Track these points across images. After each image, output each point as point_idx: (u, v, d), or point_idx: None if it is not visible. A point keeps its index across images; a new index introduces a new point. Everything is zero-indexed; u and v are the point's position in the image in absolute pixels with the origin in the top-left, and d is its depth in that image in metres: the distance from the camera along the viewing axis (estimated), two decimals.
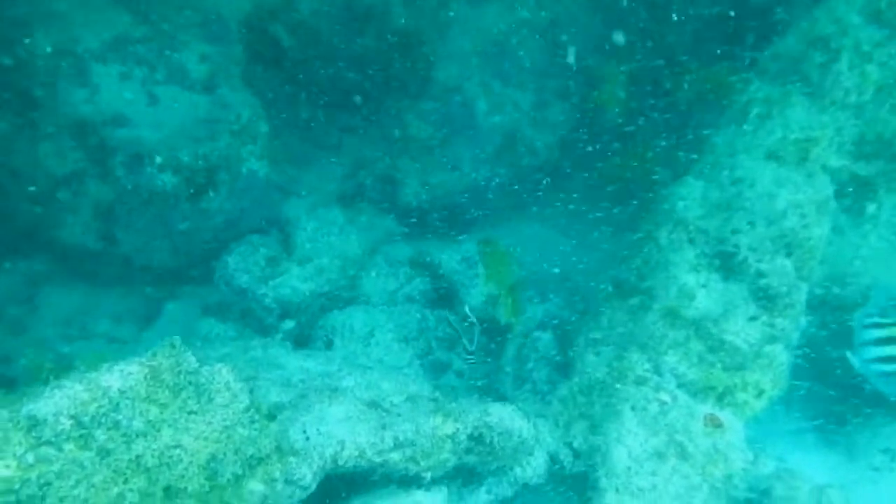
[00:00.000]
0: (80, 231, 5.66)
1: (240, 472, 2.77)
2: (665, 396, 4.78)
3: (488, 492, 4.60)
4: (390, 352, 5.69)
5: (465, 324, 5.71)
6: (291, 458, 3.31)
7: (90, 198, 5.49)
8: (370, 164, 6.96)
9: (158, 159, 5.10)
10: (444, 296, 6.31)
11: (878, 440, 6.15)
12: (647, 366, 4.91)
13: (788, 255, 4.92)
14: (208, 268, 6.07)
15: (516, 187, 6.76)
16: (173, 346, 2.66)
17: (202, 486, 2.65)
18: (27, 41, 5.15)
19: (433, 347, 6.00)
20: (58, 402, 2.34)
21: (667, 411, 4.73)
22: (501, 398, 5.87)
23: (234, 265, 5.62)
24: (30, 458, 2.25)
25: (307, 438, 3.62)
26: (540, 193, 6.98)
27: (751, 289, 4.93)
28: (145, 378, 2.53)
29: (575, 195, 6.84)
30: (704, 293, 4.89)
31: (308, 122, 6.93)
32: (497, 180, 6.67)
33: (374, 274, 6.17)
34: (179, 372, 2.62)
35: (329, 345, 5.61)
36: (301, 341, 5.78)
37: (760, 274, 4.88)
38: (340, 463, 3.69)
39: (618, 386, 4.86)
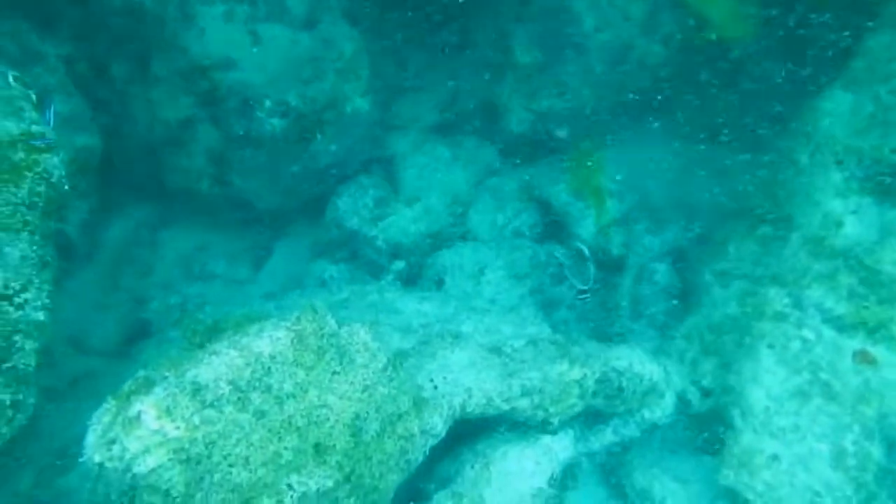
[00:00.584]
0: (195, 176, 5.72)
1: (381, 428, 2.76)
2: (808, 333, 4.45)
3: (614, 432, 4.50)
4: (501, 289, 5.56)
5: (577, 259, 5.51)
6: (424, 410, 3.28)
7: (202, 143, 5.52)
8: (470, 92, 6.67)
9: (267, 104, 5.02)
10: (554, 228, 6.08)
11: None
12: (786, 300, 4.57)
13: None
14: (316, 207, 6.07)
15: (626, 108, 6.31)
16: (315, 311, 2.62)
17: (348, 443, 2.65)
18: None
19: (545, 283, 5.83)
20: (217, 368, 2.37)
21: (810, 348, 4.42)
22: (618, 334, 5.70)
23: (345, 207, 5.58)
24: (196, 419, 2.30)
25: (435, 387, 3.58)
26: (653, 111, 6.50)
27: None
28: (292, 342, 2.52)
29: (692, 111, 6.32)
30: (854, 220, 4.44)
31: (404, 49, 6.68)
32: (606, 102, 6.24)
33: (481, 209, 5.99)
34: (322, 335, 2.59)
35: (440, 284, 5.54)
36: (411, 280, 5.74)
37: None
38: (469, 410, 3.66)
39: (753, 322, 4.55)
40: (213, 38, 5.12)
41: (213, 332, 2.62)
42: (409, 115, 6.62)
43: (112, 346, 5.35)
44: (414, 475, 3.57)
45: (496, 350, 4.06)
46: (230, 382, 2.36)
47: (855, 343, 4.36)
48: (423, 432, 3.27)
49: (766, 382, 4.39)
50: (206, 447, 2.31)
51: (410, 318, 4.51)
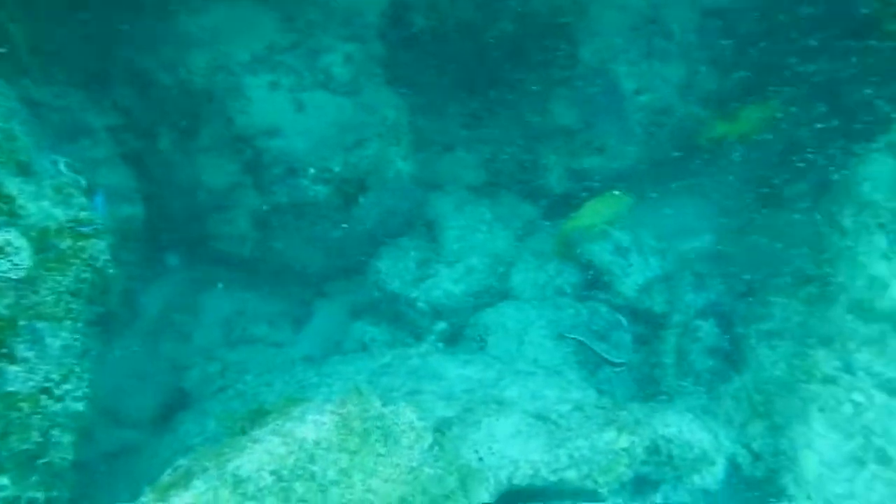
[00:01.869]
0: (238, 241, 5.86)
1: None
2: (859, 396, 4.32)
3: (665, 499, 4.38)
4: (544, 349, 5.52)
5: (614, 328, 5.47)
6: (470, 484, 3.25)
7: (246, 209, 5.66)
8: (510, 151, 6.75)
9: (311, 171, 5.16)
10: (596, 285, 6.05)
11: None
12: (835, 363, 4.45)
13: None
14: (357, 267, 6.15)
15: (667, 166, 6.31)
16: (360, 392, 2.63)
17: None
18: (184, 60, 5.33)
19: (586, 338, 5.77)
20: (259, 457, 2.37)
21: (862, 412, 4.28)
22: (662, 392, 5.59)
23: (386, 270, 5.65)
24: None
25: (480, 459, 3.55)
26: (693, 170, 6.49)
27: None
28: (336, 427, 2.52)
29: (734, 168, 6.29)
30: None
31: (443, 109, 6.81)
32: (645, 164, 6.26)
33: (522, 268, 6.00)
34: (367, 418, 2.60)
35: (483, 345, 5.53)
36: (453, 341, 5.74)
37: None
38: (515, 482, 3.61)
39: (802, 385, 4.44)
40: (259, 107, 5.30)
41: (257, 416, 2.65)
42: (449, 176, 6.71)
43: (149, 417, 5.40)
44: None
45: (542, 417, 4.01)
46: (273, 473, 2.36)
47: None
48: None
49: (818, 447, 4.25)
50: None
51: (453, 383, 4.49)
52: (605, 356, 5.10)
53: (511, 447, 3.71)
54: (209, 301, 6.67)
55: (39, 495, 2.82)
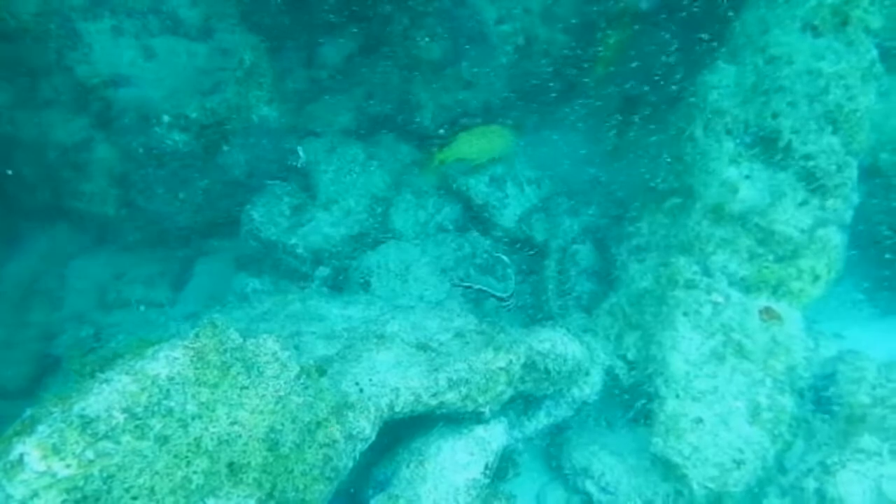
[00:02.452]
0: (99, 199, 5.55)
1: (300, 439, 2.73)
2: (717, 297, 4.64)
3: (547, 414, 4.59)
4: (429, 286, 5.59)
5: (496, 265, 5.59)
6: (349, 414, 3.27)
7: (102, 164, 5.34)
8: (381, 92, 6.67)
9: (166, 119, 4.89)
10: (476, 219, 6.14)
11: None
12: (695, 268, 4.74)
13: (835, 131, 4.61)
14: (234, 220, 5.96)
15: (533, 96, 6.43)
16: (215, 325, 2.56)
17: (265, 459, 2.61)
18: (8, 5, 4.90)
19: (472, 275, 5.89)
20: (108, 396, 2.28)
21: (720, 311, 4.60)
22: (547, 317, 5.80)
23: (260, 218, 5.49)
24: (89, 454, 2.21)
25: (361, 390, 3.57)
26: (555, 97, 6.64)
27: (798, 173, 4.66)
28: (192, 361, 2.45)
29: (594, 97, 6.48)
30: (748, 185, 4.64)
31: (310, 54, 6.62)
32: (513, 94, 6.34)
33: (402, 208, 6.00)
34: (225, 350, 2.54)
35: (366, 286, 5.52)
36: (338, 286, 5.70)
37: (807, 156, 4.60)
38: (397, 410, 3.66)
39: (667, 293, 4.71)
40: (102, 55, 4.96)
41: (108, 361, 2.53)
42: (323, 120, 6.57)
43: (19, 387, 5.14)
44: (350, 481, 3.56)
45: (423, 346, 4.07)
46: (125, 410, 2.28)
47: (760, 302, 4.56)
48: (349, 437, 3.25)
49: (683, 349, 4.54)
50: (105, 482, 2.21)
51: (335, 323, 4.47)
52: (493, 293, 5.21)
53: (392, 376, 3.75)
54: (79, 266, 6.33)
55: None
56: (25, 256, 6.15)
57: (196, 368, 2.44)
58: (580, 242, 6.09)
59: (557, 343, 4.16)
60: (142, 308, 5.94)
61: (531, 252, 6.19)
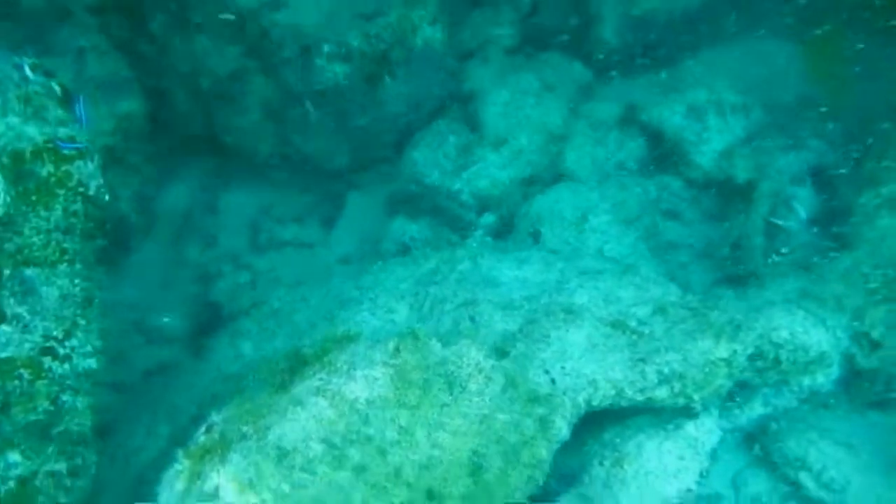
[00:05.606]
0: (252, 134, 5.49)
1: (504, 462, 2.49)
2: None
3: (765, 404, 4.12)
4: (609, 238, 5.14)
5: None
6: (547, 415, 3.00)
7: (257, 97, 5.23)
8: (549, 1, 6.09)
9: (326, 48, 4.62)
10: (664, 158, 5.56)
11: None
12: None
13: None
14: (389, 157, 5.76)
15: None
16: (416, 338, 2.32)
17: (466, 486, 2.40)
18: None
19: (658, 224, 5.37)
20: (304, 424, 2.12)
21: None
22: (752, 275, 5.21)
23: (423, 160, 5.22)
24: (285, 487, 2.08)
25: (553, 381, 3.28)
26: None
27: None
28: (392, 381, 2.24)
29: None
30: None
31: None
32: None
33: (577, 143, 5.51)
34: (427, 367, 2.30)
35: (536, 237, 5.15)
36: (502, 235, 5.39)
37: None
38: (595, 404, 3.36)
39: None
40: None
41: (296, 365, 2.38)
42: (483, 37, 6.11)
43: (181, 331, 5.30)
44: None
45: (619, 325, 3.70)
46: (323, 441, 2.12)
47: None
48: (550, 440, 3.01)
49: None
50: None
51: (511, 288, 4.17)
52: None
53: (587, 364, 3.43)
54: (231, 201, 6.44)
55: (60, 466, 2.65)
56: (179, 189, 6.28)
57: (397, 389, 2.24)
58: (799, 184, 5.35)
59: (798, 330, 3.64)
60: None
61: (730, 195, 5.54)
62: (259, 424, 2.17)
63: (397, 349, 2.31)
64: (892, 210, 4.38)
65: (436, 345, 2.39)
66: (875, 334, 4.14)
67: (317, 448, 2.12)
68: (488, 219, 5.28)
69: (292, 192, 6.40)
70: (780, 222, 5.27)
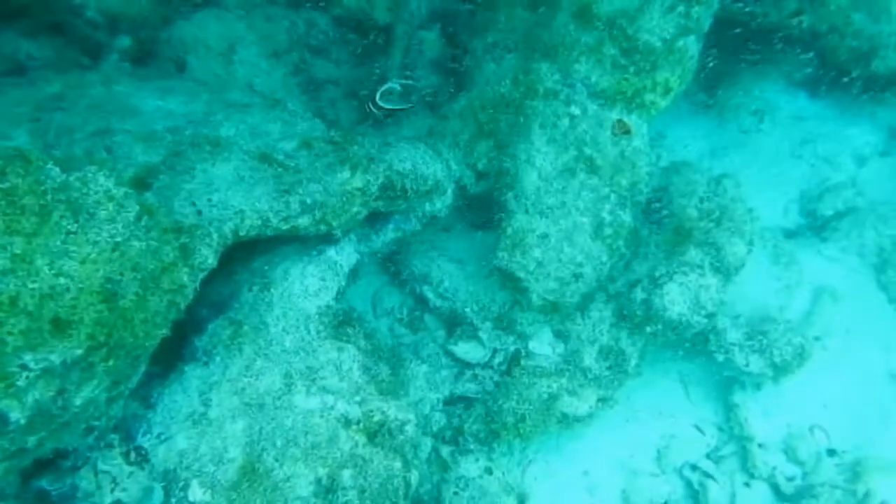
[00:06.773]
0: None
1: (142, 288, 2.44)
2: (575, 109, 4.66)
3: (396, 229, 4.54)
4: (259, 71, 5.02)
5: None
6: (189, 243, 2.97)
7: None
8: None
9: None
10: None
11: (747, 102, 6.57)
12: (556, 76, 4.67)
13: None
14: None
15: None
16: (27, 159, 2.07)
17: (100, 313, 2.31)
18: None
19: (307, 60, 5.37)
20: None
21: (576, 125, 4.65)
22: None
23: None
24: None
25: (199, 213, 3.23)
26: None
27: None
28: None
29: None
30: None
31: None
32: None
33: None
34: (43, 191, 2.09)
35: (181, 66, 4.83)
36: (141, 61, 4.93)
37: None
38: (242, 234, 3.41)
39: (526, 102, 4.63)
40: None
41: None
42: None
43: None
44: None
45: (266, 157, 3.72)
46: None
47: (614, 114, 4.66)
48: (192, 270, 3.00)
49: (538, 164, 4.59)
50: None
51: (153, 119, 3.90)
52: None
53: (235, 196, 3.43)
54: None
55: None
56: None
57: (5, 215, 2.01)
58: (427, 28, 5.71)
59: (419, 162, 4.01)
60: None
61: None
62: None
63: (3, 172, 2.04)
64: (494, 56, 4.87)
65: (53, 169, 2.17)
66: (479, 165, 4.72)
67: None
68: (124, 41, 4.75)
69: None
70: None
